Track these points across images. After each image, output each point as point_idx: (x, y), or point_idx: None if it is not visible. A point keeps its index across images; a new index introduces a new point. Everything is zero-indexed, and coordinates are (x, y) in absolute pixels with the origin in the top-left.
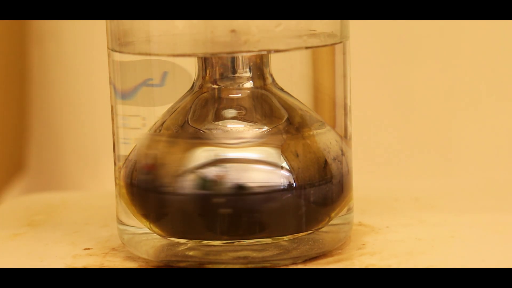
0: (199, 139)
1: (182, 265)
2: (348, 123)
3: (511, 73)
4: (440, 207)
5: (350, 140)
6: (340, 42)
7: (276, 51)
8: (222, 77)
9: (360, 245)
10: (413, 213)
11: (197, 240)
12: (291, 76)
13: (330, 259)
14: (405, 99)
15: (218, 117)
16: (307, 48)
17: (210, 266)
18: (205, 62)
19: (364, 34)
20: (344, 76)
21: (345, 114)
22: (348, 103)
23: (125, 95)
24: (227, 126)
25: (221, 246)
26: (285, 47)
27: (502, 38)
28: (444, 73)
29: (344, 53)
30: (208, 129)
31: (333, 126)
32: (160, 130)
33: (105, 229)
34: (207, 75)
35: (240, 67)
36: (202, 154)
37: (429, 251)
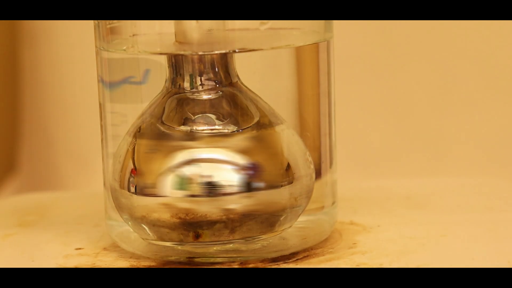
0: (173, 140)
1: (171, 259)
2: (332, 120)
3: (503, 72)
4: (431, 206)
5: (335, 138)
6: (324, 41)
7: (254, 50)
8: (192, 77)
9: (352, 244)
10: (404, 212)
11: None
12: (275, 75)
13: (321, 258)
14: (395, 98)
15: (190, 117)
16: (291, 46)
17: (199, 259)
18: (175, 62)
19: (351, 32)
20: (328, 74)
21: (329, 112)
22: (333, 101)
23: (113, 85)
24: (199, 127)
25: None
26: (269, 46)
27: (492, 37)
28: (434, 71)
29: (328, 51)
30: (180, 130)
31: (318, 124)
32: (136, 133)
33: (96, 229)
34: (178, 75)
35: (208, 67)
36: (175, 155)
37: (420, 250)
